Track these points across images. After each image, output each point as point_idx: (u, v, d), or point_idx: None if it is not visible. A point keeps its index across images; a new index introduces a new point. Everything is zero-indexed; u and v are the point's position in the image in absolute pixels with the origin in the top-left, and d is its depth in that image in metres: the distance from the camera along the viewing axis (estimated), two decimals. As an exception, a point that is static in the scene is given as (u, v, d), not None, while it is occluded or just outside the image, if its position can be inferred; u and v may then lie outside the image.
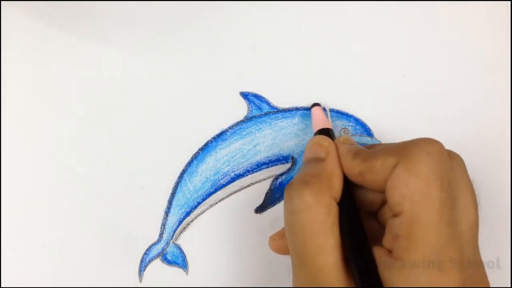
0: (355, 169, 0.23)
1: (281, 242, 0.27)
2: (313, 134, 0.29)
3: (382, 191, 0.22)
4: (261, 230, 0.31)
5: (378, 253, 0.22)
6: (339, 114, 0.32)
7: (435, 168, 0.20)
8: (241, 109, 0.33)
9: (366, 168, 0.22)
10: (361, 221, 0.23)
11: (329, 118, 0.30)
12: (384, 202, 0.24)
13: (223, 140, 0.32)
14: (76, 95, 0.33)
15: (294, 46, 0.33)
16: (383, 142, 0.32)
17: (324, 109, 0.31)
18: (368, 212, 0.25)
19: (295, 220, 0.22)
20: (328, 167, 0.24)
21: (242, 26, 0.34)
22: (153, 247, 0.31)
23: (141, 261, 0.31)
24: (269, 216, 0.31)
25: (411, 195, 0.20)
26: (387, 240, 0.22)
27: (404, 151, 0.21)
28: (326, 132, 0.28)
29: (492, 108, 0.32)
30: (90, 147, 0.32)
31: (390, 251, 0.21)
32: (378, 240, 0.23)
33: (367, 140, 0.32)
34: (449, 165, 0.21)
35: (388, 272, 0.21)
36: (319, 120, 0.29)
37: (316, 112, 0.30)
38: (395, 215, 0.21)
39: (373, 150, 0.23)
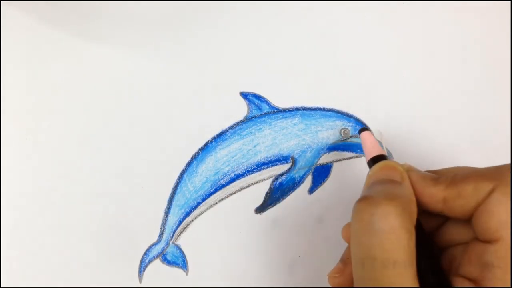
0: (438, 195, 0.22)
1: (343, 280, 0.25)
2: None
3: (466, 217, 0.21)
4: (261, 230, 0.31)
5: (460, 283, 0.20)
6: (339, 114, 0.32)
7: None
8: (241, 109, 0.32)
9: (453, 194, 0.21)
10: (436, 249, 0.23)
11: (384, 144, 0.28)
12: (438, 227, 0.23)
13: (223, 140, 0.32)
14: (76, 95, 0.33)
15: (294, 46, 0.33)
16: (382, 142, 0.32)
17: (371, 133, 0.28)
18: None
19: (375, 241, 0.20)
20: (407, 192, 0.22)
21: (242, 26, 0.34)
22: (153, 247, 0.31)
23: (141, 261, 0.31)
24: (269, 216, 0.31)
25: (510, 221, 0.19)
26: (471, 270, 0.21)
27: (500, 175, 0.20)
28: (381, 160, 0.25)
29: (492, 108, 0.32)
30: (90, 147, 0.32)
31: (472, 281, 0.20)
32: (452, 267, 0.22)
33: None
34: None
35: None
36: (374, 146, 0.27)
37: (368, 137, 0.27)
38: (488, 242, 0.20)
39: (455, 174, 0.22)
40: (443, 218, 0.23)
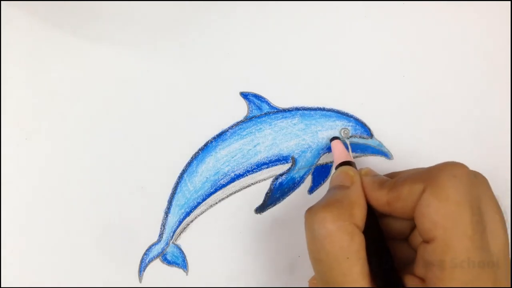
0: (382, 199, 0.23)
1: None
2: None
3: (411, 218, 0.22)
4: (261, 230, 0.31)
5: (411, 282, 0.21)
6: (339, 114, 0.32)
7: (464, 192, 0.20)
8: (241, 109, 0.33)
9: (393, 197, 0.22)
10: (389, 250, 0.23)
11: (350, 152, 0.30)
12: (413, 228, 0.24)
13: (223, 140, 0.32)
14: (76, 95, 0.33)
15: (294, 46, 0.33)
16: (383, 142, 0.32)
17: (344, 143, 0.31)
18: (399, 239, 0.25)
19: (319, 246, 0.22)
20: (351, 195, 0.24)
21: (242, 26, 0.34)
22: (153, 247, 0.31)
23: (141, 261, 0.31)
24: (269, 216, 0.31)
25: (442, 221, 0.20)
26: (418, 268, 0.21)
27: (429, 176, 0.21)
28: (347, 165, 0.27)
29: (492, 108, 0.32)
30: (90, 147, 0.32)
31: (422, 280, 0.21)
32: (410, 265, 0.22)
33: (366, 140, 0.32)
34: (477, 187, 0.21)
35: None
36: (341, 153, 0.29)
37: (336, 145, 0.30)
38: (426, 241, 0.21)
39: (398, 178, 0.23)
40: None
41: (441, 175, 0.21)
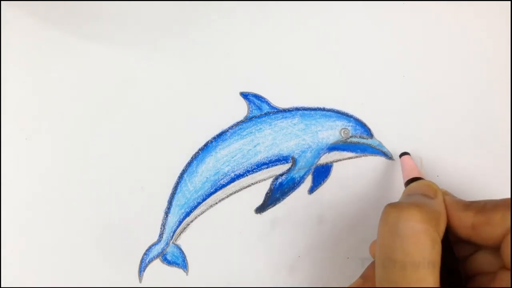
0: (467, 220, 0.22)
1: None
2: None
3: (493, 245, 0.22)
4: (261, 230, 0.31)
5: None
6: (339, 114, 0.32)
7: None
8: (241, 109, 0.32)
9: (481, 221, 0.22)
10: (461, 271, 0.23)
11: (423, 168, 0.30)
12: (469, 256, 0.24)
13: (223, 140, 0.32)
14: (76, 95, 0.33)
15: (294, 46, 0.33)
16: (382, 142, 0.32)
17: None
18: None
19: (397, 245, 0.20)
20: (437, 206, 0.23)
21: (242, 26, 0.34)
22: (153, 247, 0.31)
23: (141, 261, 0.31)
24: (269, 216, 0.31)
25: None
26: None
27: None
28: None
29: (492, 108, 0.32)
30: (90, 147, 0.32)
31: None
32: None
33: (366, 140, 0.32)
34: None
35: None
36: (412, 169, 0.28)
37: (407, 161, 0.29)
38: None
39: (486, 203, 0.22)
40: (474, 248, 0.24)
41: None
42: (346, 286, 0.26)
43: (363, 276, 0.26)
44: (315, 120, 0.32)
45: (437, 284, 0.20)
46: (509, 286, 0.21)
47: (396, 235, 0.21)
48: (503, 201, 0.22)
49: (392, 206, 0.22)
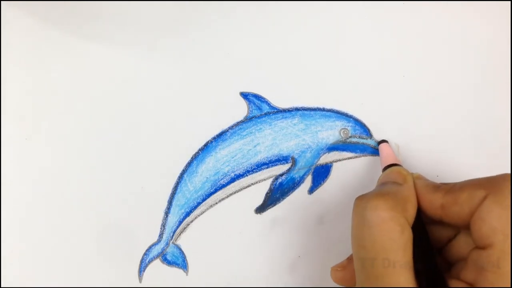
0: (436, 201, 0.23)
1: (344, 274, 0.26)
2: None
3: (463, 224, 0.22)
4: (261, 230, 0.31)
5: (456, 285, 0.21)
6: (338, 115, 0.32)
7: None
8: (241, 109, 0.33)
9: (449, 201, 0.22)
10: (434, 252, 0.23)
11: (400, 155, 0.30)
12: (450, 239, 0.24)
13: (223, 140, 0.32)
14: (76, 95, 0.33)
15: (294, 46, 0.33)
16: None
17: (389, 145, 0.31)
18: (436, 248, 0.25)
19: (367, 233, 0.21)
20: (404, 192, 0.24)
21: (242, 26, 0.34)
22: (153, 247, 0.31)
23: (141, 261, 0.31)
24: (269, 216, 0.31)
25: (502, 228, 0.20)
26: (468, 274, 0.21)
27: (493, 184, 0.21)
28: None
29: (492, 108, 0.32)
30: (90, 147, 0.32)
31: (469, 285, 0.21)
32: (447, 273, 0.23)
33: (366, 140, 0.32)
34: None
35: None
36: (389, 155, 0.29)
37: (385, 148, 0.30)
38: (482, 247, 0.21)
39: (455, 184, 0.23)
40: (454, 231, 0.24)
41: (506, 184, 0.21)
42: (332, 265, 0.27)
43: (349, 258, 0.27)
44: (315, 120, 0.32)
45: (409, 266, 0.21)
46: (479, 263, 0.21)
47: (364, 225, 0.22)
48: (470, 180, 0.23)
49: (359, 198, 0.23)
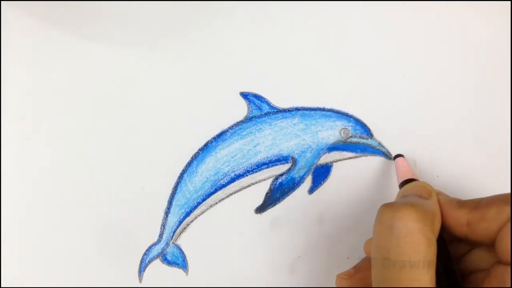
0: (462, 218, 0.23)
1: (351, 283, 0.26)
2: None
3: (489, 241, 0.22)
4: (261, 230, 0.31)
5: None
6: (339, 114, 0.32)
7: None
8: (241, 109, 0.33)
9: (476, 218, 0.22)
10: (456, 270, 0.23)
11: (417, 170, 0.30)
12: (464, 254, 0.24)
13: (223, 140, 0.32)
14: (76, 95, 0.33)
15: (294, 46, 0.33)
16: (382, 142, 0.32)
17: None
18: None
19: (393, 244, 0.20)
20: (432, 206, 0.23)
21: (242, 26, 0.34)
22: (153, 247, 0.31)
23: (141, 261, 0.31)
24: (269, 216, 0.31)
25: None
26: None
27: None
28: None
29: (492, 108, 0.32)
30: (90, 147, 0.32)
31: None
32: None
33: (366, 140, 0.32)
34: None
35: None
36: (406, 170, 0.28)
37: (401, 162, 0.30)
38: (508, 264, 0.21)
39: (481, 200, 0.23)
40: (469, 247, 0.24)
41: None
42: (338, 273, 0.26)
43: (355, 267, 0.26)
44: (315, 120, 0.32)
45: (433, 284, 0.20)
46: (505, 279, 0.21)
47: (391, 234, 0.21)
48: (497, 196, 0.22)
49: (387, 205, 0.22)
